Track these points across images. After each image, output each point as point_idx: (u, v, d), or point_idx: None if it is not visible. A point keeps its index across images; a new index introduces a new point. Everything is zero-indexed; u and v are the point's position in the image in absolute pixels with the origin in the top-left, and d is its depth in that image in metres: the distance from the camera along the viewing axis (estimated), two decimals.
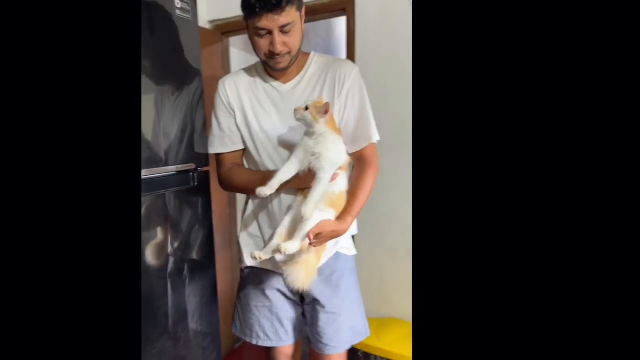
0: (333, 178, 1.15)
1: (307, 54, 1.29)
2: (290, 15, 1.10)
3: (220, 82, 1.28)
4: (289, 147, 1.22)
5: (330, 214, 1.16)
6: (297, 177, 1.15)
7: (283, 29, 1.11)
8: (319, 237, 1.13)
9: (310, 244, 1.13)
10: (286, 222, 1.19)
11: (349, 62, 1.28)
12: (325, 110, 1.10)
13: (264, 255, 1.15)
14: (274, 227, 1.25)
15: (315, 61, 1.29)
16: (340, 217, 1.17)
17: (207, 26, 2.43)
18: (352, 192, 1.21)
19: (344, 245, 1.34)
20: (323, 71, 1.26)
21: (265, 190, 1.11)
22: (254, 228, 1.36)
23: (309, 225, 1.10)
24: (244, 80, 1.28)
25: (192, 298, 1.43)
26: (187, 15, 1.39)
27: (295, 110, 1.13)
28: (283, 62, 1.18)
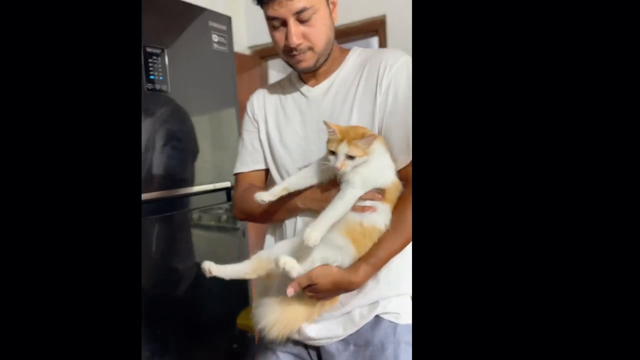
0: (365, 210, 0.86)
1: (348, 50, 1.04)
2: None
3: (250, 96, 1.12)
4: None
5: (348, 254, 0.85)
6: (318, 192, 0.91)
7: (300, 17, 0.89)
8: (314, 290, 0.86)
9: (311, 297, 0.88)
10: (289, 243, 0.93)
11: (395, 50, 0.99)
12: (373, 140, 0.84)
13: (218, 269, 0.90)
14: None
15: (355, 57, 1.02)
16: (354, 264, 0.86)
17: (247, 52, 2.57)
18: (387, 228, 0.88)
19: (389, 308, 0.96)
20: (361, 66, 0.98)
21: (264, 196, 0.89)
22: None
23: (310, 262, 0.83)
24: (274, 89, 1.09)
25: (225, 308, 1.53)
26: (223, 48, 1.52)
27: (338, 168, 0.83)
28: (305, 60, 0.94)
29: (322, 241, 0.82)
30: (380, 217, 0.85)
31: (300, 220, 0.97)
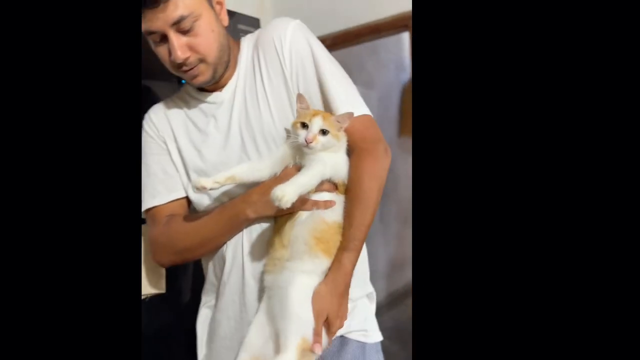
0: (328, 205, 0.78)
1: (239, 42, 0.94)
2: (185, 5, 0.76)
3: (146, 115, 0.95)
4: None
5: (323, 269, 0.76)
6: (269, 193, 0.71)
7: (180, 27, 0.77)
8: (332, 321, 0.74)
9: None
10: (263, 308, 0.78)
11: (279, 19, 0.90)
12: (349, 119, 0.78)
13: None
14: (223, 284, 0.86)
15: (247, 44, 0.92)
16: (335, 259, 0.76)
17: None
18: (346, 206, 0.79)
19: (355, 325, 0.85)
20: (254, 49, 0.89)
21: (206, 182, 0.76)
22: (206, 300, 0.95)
23: (296, 306, 0.70)
24: (175, 104, 0.95)
25: None
26: None
27: (308, 142, 0.75)
28: (200, 73, 0.83)
29: (293, 275, 0.72)
30: (339, 210, 0.79)
31: (246, 237, 0.83)
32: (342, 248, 0.77)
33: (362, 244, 0.79)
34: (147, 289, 1.18)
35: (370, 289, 0.92)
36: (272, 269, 0.77)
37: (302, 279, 0.73)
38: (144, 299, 1.20)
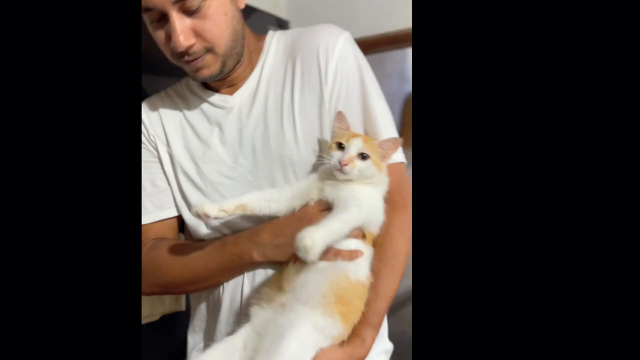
0: (354, 256, 0.65)
1: (263, 37, 0.79)
2: None
3: None
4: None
5: (334, 327, 0.62)
6: (284, 233, 0.63)
7: (185, 6, 0.62)
8: None
9: None
10: (243, 335, 0.64)
11: (328, 27, 0.75)
12: (395, 146, 0.69)
13: None
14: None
15: (276, 43, 0.76)
16: (354, 333, 0.64)
17: None
18: (373, 267, 0.67)
19: None
20: (290, 54, 0.74)
21: (208, 209, 0.62)
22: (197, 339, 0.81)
23: (294, 337, 0.57)
24: (170, 101, 0.78)
25: None
26: None
27: (342, 165, 0.62)
28: (205, 66, 0.68)
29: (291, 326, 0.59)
30: (364, 265, 0.67)
31: (247, 282, 0.70)
32: (367, 323, 0.65)
33: (383, 318, 0.68)
34: (166, 307, 1.14)
35: (388, 345, 0.81)
36: (258, 302, 0.67)
37: (308, 331, 0.60)
38: (162, 317, 1.15)
